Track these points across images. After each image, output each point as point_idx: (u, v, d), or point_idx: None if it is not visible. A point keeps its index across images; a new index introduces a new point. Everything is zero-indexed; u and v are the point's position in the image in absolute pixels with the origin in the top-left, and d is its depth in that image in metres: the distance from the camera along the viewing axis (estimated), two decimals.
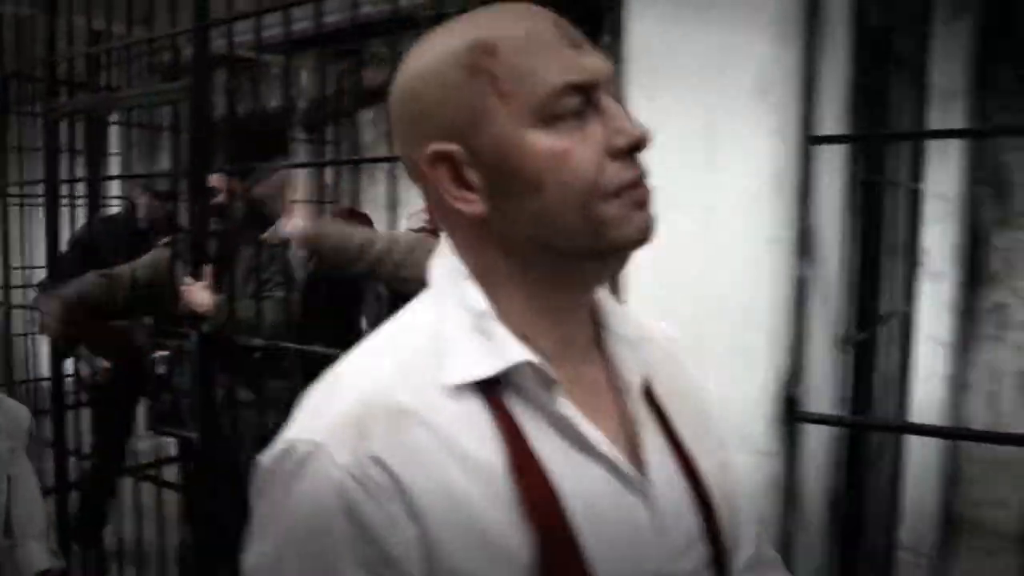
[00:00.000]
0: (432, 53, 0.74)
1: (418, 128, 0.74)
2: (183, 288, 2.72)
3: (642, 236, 0.74)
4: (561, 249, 0.74)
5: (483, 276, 0.76)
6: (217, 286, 2.69)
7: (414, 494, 0.68)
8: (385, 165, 2.31)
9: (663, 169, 1.46)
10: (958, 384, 4.03)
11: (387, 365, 0.74)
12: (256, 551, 0.72)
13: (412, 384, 0.72)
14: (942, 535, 4.13)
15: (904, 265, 3.64)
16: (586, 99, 0.72)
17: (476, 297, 0.75)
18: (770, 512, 1.48)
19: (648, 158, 1.47)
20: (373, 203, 5.45)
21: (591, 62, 0.72)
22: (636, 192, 0.74)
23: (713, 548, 0.81)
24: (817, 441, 1.59)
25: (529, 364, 0.73)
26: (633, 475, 0.76)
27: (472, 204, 0.73)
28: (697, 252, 1.45)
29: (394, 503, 0.67)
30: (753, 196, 1.40)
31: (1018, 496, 4.05)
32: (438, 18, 4.02)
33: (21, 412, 1.98)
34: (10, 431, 1.85)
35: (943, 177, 3.71)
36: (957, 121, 3.65)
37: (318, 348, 2.27)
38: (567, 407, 0.74)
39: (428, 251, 0.81)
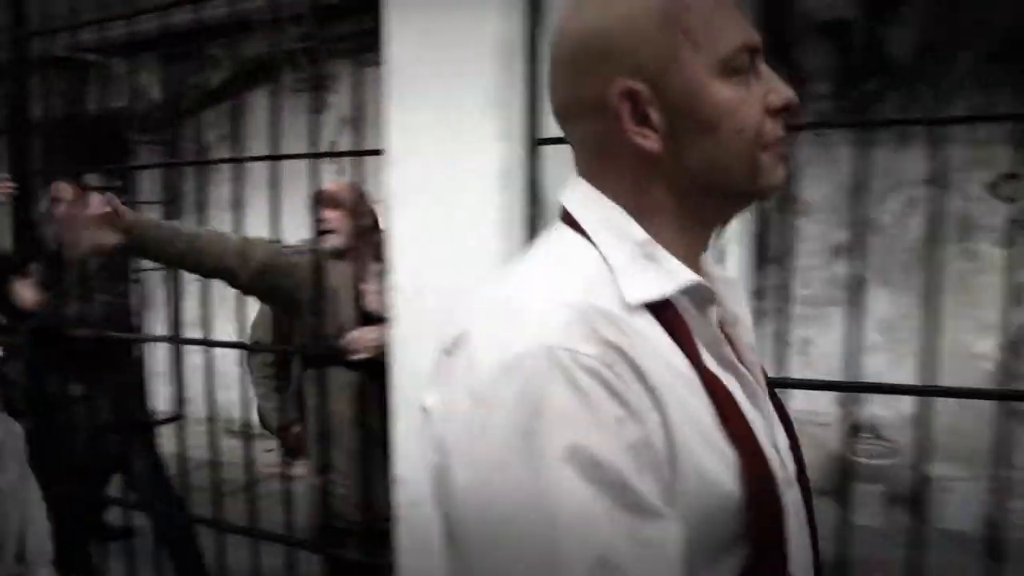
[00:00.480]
0: (615, 5, 0.78)
1: (606, 65, 0.78)
2: (12, 285, 2.85)
3: (781, 184, 0.82)
4: (719, 187, 0.80)
5: (639, 209, 0.81)
6: (46, 285, 2.83)
7: (652, 382, 0.70)
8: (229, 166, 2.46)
9: (418, 167, 1.77)
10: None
11: (574, 283, 0.76)
12: (520, 464, 0.68)
13: (603, 299, 0.74)
14: None
15: None
16: (751, 59, 0.79)
17: (635, 228, 0.80)
18: None
19: (406, 157, 1.76)
20: (216, 204, 5.59)
21: (753, 28, 0.79)
22: (781, 147, 0.81)
23: (797, 465, 0.87)
24: None
25: (695, 286, 0.79)
26: (759, 391, 0.84)
27: (649, 140, 0.78)
28: (444, 234, 1.76)
29: (641, 388, 0.70)
30: (487, 188, 1.72)
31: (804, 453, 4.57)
32: (274, 22, 4.16)
33: (16, 428, 1.85)
34: (16, 454, 1.73)
35: None
36: None
37: (139, 336, 2.46)
38: (716, 327, 0.82)
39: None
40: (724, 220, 0.86)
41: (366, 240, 2.42)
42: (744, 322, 0.90)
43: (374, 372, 2.07)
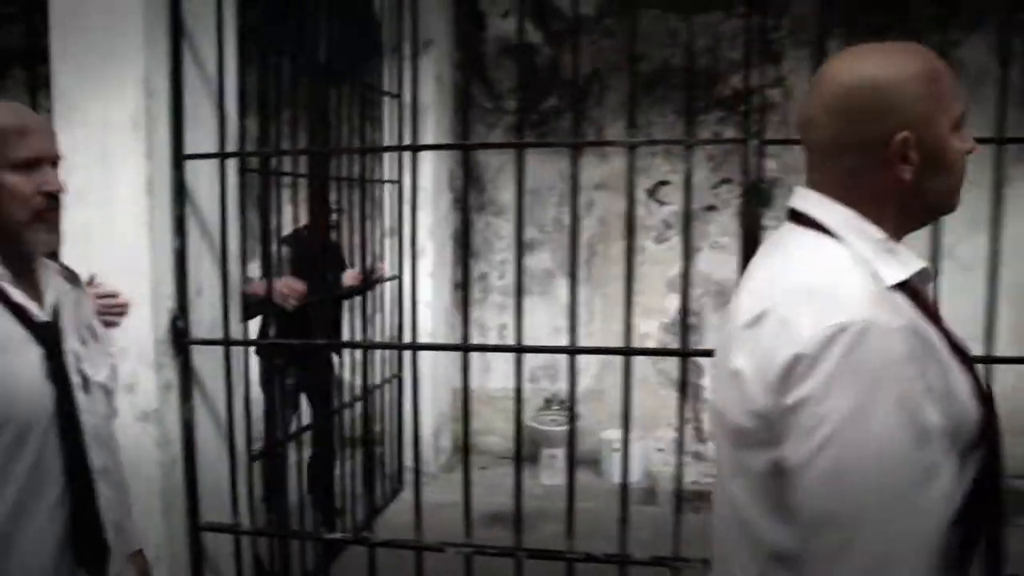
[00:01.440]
0: (893, 68, 1.04)
1: (887, 117, 1.03)
2: None
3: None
4: (934, 208, 1.10)
5: (874, 218, 1.07)
6: None
7: (931, 344, 0.98)
8: None
9: (83, 180, 2.14)
10: (453, 337, 5.09)
11: (854, 273, 1.01)
12: (835, 405, 0.93)
13: (875, 284, 1.01)
14: (444, 457, 5.19)
15: (398, 242, 4.57)
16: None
17: (873, 228, 1.06)
18: (172, 405, 2.22)
19: (71, 168, 2.11)
20: None
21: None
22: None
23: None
24: (211, 359, 2.34)
25: (924, 270, 1.06)
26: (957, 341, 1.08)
27: (906, 172, 1.04)
28: (105, 233, 2.15)
29: (925, 348, 0.97)
30: (137, 195, 2.12)
31: (504, 425, 5.21)
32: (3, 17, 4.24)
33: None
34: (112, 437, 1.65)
35: (425, 174, 4.70)
36: (429, 133, 4.68)
37: None
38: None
39: None
40: (919, 227, 1.14)
41: None
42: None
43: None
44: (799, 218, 1.11)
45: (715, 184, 5.05)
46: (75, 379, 1.41)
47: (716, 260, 5.07)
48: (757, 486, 1.05)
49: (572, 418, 2.32)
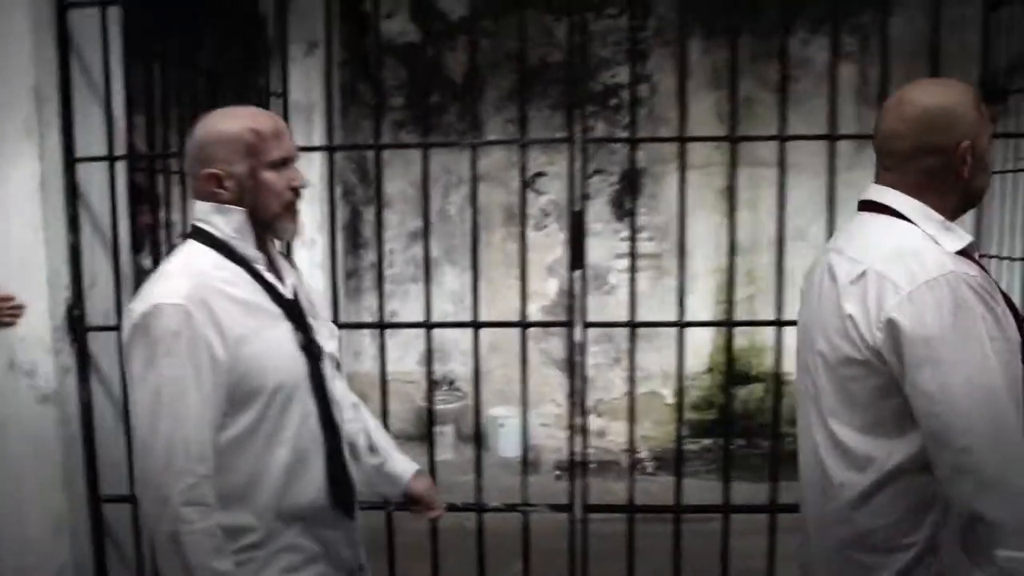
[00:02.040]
0: (959, 97, 1.43)
1: (956, 129, 1.41)
2: None
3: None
4: (976, 197, 1.48)
5: (937, 206, 1.43)
6: None
7: (996, 288, 1.34)
8: None
9: None
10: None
11: (928, 242, 1.39)
12: (951, 340, 1.29)
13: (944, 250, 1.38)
14: None
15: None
16: None
17: (935, 213, 1.43)
18: (71, 388, 2.43)
19: None
20: None
21: None
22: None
23: None
24: (107, 344, 2.56)
25: (973, 241, 1.44)
26: None
27: (965, 171, 1.42)
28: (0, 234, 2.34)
29: (994, 291, 1.33)
30: (29, 196, 2.33)
31: (399, 406, 5.47)
32: None
33: None
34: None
35: (314, 169, 4.91)
36: (318, 132, 4.89)
37: None
38: None
39: None
40: (962, 214, 1.51)
41: None
42: None
43: None
44: (874, 207, 1.49)
45: (589, 175, 5.40)
46: (315, 350, 1.61)
47: (588, 245, 5.42)
48: (859, 410, 1.42)
49: (430, 377, 2.62)
